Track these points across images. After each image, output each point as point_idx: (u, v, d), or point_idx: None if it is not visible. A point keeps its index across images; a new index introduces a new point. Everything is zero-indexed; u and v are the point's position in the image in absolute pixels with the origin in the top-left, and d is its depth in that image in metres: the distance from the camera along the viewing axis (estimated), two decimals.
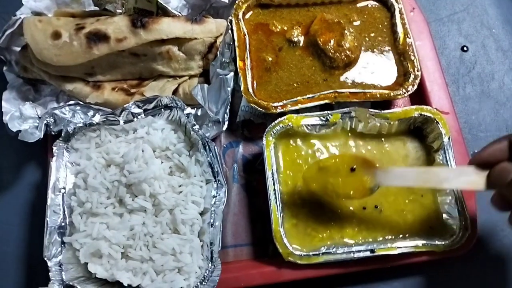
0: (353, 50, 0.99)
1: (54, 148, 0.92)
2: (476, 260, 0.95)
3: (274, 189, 0.90)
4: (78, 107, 0.96)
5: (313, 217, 0.91)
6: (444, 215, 0.91)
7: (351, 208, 0.92)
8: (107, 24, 0.95)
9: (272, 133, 0.93)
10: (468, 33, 1.15)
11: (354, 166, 0.86)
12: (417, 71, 0.98)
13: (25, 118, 0.97)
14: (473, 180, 0.76)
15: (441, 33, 1.15)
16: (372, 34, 1.04)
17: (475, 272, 0.95)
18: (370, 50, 1.03)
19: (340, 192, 0.86)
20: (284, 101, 0.97)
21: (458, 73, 1.11)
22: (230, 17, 1.02)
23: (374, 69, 1.01)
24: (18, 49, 1.02)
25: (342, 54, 0.98)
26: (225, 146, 1.02)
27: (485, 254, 0.97)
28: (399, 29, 1.02)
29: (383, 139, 0.97)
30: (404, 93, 0.96)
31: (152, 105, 0.94)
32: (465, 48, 1.13)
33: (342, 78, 1.00)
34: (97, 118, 0.93)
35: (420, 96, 1.02)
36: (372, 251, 0.87)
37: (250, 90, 0.98)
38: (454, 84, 1.10)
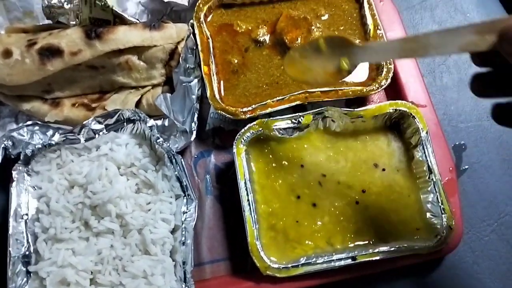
0: None
1: (14, 173, 0.87)
2: (464, 258, 0.92)
3: (248, 200, 0.85)
4: (37, 127, 0.91)
5: (292, 226, 0.87)
6: (428, 214, 0.87)
7: (333, 210, 0.88)
8: (60, 38, 0.90)
9: (243, 140, 0.89)
10: (442, 19, 1.10)
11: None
12: (390, 64, 0.93)
13: None
14: (473, 40, 0.57)
15: (413, 22, 1.10)
16: (341, 28, 1.00)
17: (464, 271, 0.92)
18: None
19: (319, 79, 0.78)
20: (253, 106, 0.92)
21: (434, 62, 1.06)
22: (191, 20, 0.97)
23: None
24: None
25: None
26: (196, 156, 0.97)
27: (473, 251, 0.93)
28: (369, 20, 0.98)
29: (367, 136, 0.93)
30: (378, 88, 0.92)
31: (113, 119, 0.89)
32: None
33: None
34: (57, 138, 0.89)
35: (395, 90, 0.98)
36: (353, 258, 0.83)
37: (217, 96, 0.93)
38: (430, 74, 1.05)
